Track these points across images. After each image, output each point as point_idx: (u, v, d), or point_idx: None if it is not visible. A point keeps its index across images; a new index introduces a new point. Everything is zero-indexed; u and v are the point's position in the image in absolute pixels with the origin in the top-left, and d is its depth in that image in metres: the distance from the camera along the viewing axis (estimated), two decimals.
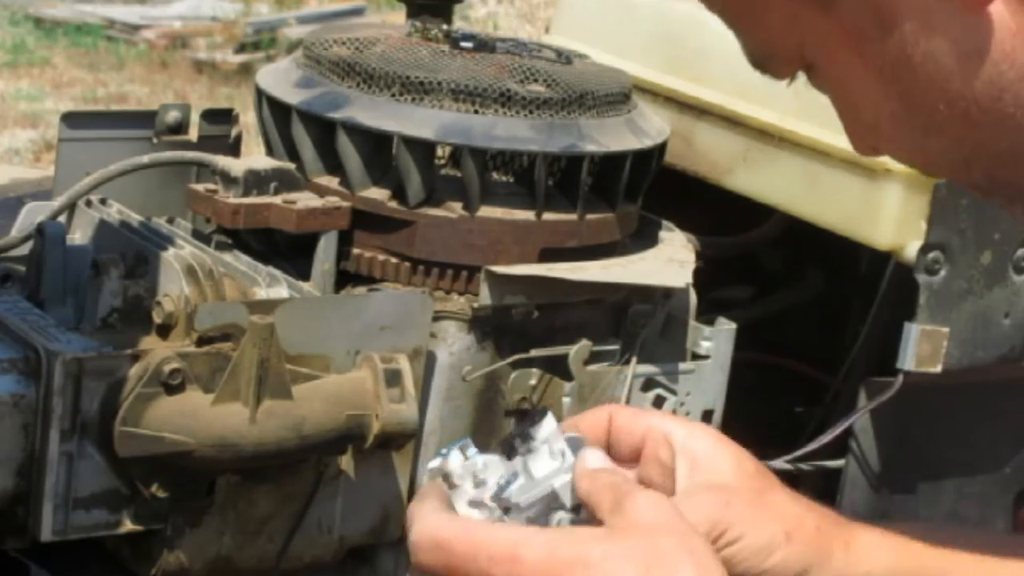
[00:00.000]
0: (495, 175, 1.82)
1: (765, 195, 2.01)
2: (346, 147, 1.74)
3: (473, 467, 1.22)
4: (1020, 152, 0.95)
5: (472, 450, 1.24)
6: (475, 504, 1.21)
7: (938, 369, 1.88)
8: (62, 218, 1.76)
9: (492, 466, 1.23)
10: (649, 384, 1.83)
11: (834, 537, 1.25)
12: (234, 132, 1.93)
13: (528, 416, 1.24)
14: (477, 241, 1.74)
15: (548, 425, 1.22)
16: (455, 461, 1.23)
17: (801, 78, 1.01)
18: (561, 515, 1.20)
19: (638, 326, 1.81)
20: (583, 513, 1.19)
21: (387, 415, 1.58)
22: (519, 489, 1.20)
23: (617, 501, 1.13)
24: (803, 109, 1.93)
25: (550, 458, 1.21)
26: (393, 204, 1.75)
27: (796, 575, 1.21)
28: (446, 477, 1.22)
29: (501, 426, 1.76)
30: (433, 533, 1.14)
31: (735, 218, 2.14)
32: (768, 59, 0.99)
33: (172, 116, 1.88)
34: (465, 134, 1.72)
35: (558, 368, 1.76)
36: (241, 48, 8.97)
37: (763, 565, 1.20)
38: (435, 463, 1.24)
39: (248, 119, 1.93)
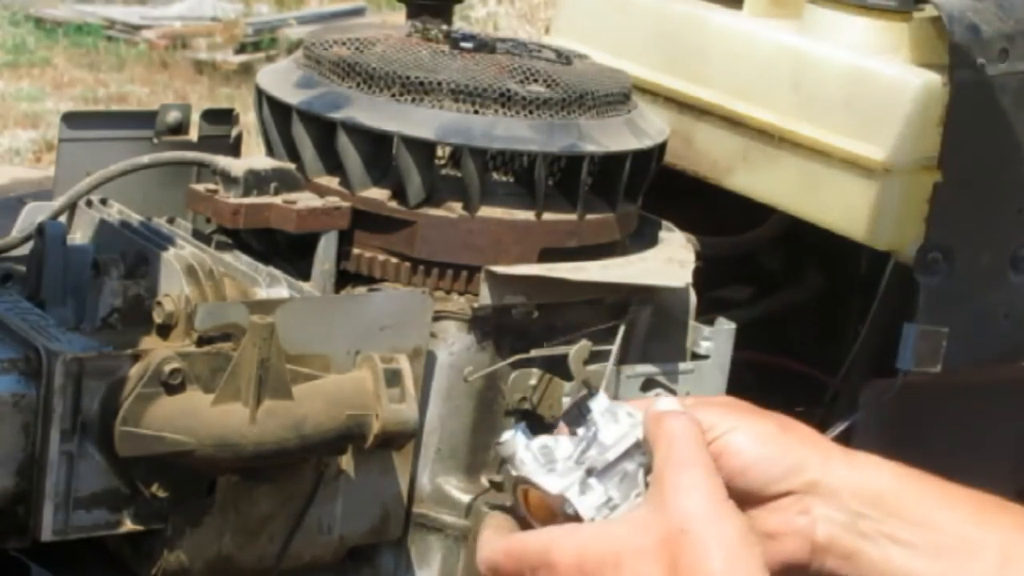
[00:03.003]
0: (495, 175, 1.82)
1: (765, 195, 2.00)
2: (346, 147, 1.74)
3: (542, 445, 1.32)
4: None
5: (529, 434, 1.34)
6: (558, 472, 1.30)
7: (938, 369, 1.88)
8: (62, 218, 1.76)
9: (561, 441, 1.33)
10: (649, 384, 1.83)
11: (834, 447, 1.30)
12: (234, 132, 1.93)
13: (583, 396, 1.34)
14: (477, 241, 1.74)
15: (602, 400, 1.34)
16: (520, 445, 1.33)
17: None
18: (640, 459, 1.29)
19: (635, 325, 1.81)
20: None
21: (387, 415, 1.58)
22: (597, 451, 1.30)
23: (666, 459, 1.22)
24: (803, 109, 1.93)
25: (615, 423, 1.31)
26: (393, 204, 1.75)
27: (792, 467, 1.26)
28: (512, 460, 1.33)
29: (501, 426, 1.76)
30: (487, 558, 1.29)
31: (735, 218, 2.14)
32: None
33: (172, 116, 1.88)
34: (465, 134, 1.72)
35: (558, 368, 1.76)
36: (241, 48, 8.96)
37: (759, 452, 1.25)
38: (505, 448, 1.34)
39: (248, 119, 1.93)
